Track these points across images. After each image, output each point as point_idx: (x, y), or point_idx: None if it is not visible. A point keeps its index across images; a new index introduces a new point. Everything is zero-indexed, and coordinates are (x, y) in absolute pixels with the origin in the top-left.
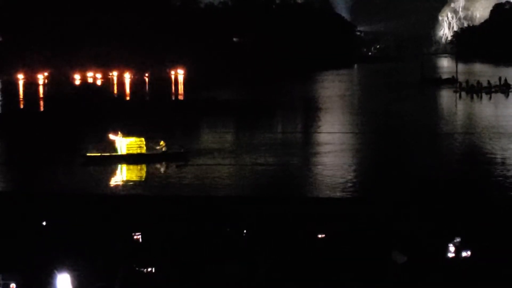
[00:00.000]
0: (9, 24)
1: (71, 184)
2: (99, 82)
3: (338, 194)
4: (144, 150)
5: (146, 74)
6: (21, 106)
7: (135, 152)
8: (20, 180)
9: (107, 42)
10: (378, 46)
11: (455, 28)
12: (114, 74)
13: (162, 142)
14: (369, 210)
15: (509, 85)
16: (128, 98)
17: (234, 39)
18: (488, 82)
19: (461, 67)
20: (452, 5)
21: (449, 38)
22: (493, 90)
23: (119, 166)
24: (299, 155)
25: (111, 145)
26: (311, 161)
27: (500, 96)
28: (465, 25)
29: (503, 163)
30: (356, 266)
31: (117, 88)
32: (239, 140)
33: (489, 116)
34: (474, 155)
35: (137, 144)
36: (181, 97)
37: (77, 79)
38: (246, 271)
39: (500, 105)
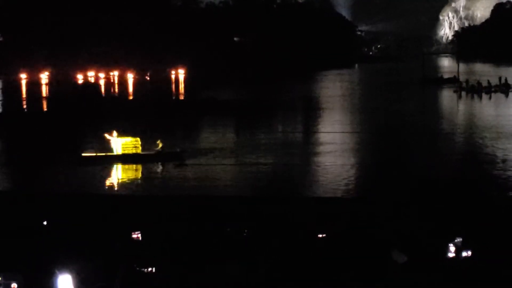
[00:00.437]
0: (9, 24)
1: (67, 185)
2: (100, 82)
3: (339, 193)
4: (139, 150)
5: (148, 74)
6: (20, 106)
7: (130, 152)
8: (19, 180)
9: (107, 42)
10: (378, 46)
11: (456, 28)
12: (115, 74)
13: (159, 142)
14: (369, 210)
15: (509, 85)
16: (128, 98)
17: (235, 39)
18: (488, 82)
19: (461, 67)
20: (453, 4)
21: (450, 37)
22: (493, 90)
23: (117, 165)
24: (299, 154)
25: (107, 145)
26: (311, 161)
27: (500, 96)
28: (466, 24)
29: (503, 162)
30: (356, 266)
31: (118, 88)
32: (240, 140)
33: (489, 116)
34: (474, 154)
35: (133, 144)
36: (181, 97)
37: (77, 79)
38: (246, 271)
39: (500, 105)
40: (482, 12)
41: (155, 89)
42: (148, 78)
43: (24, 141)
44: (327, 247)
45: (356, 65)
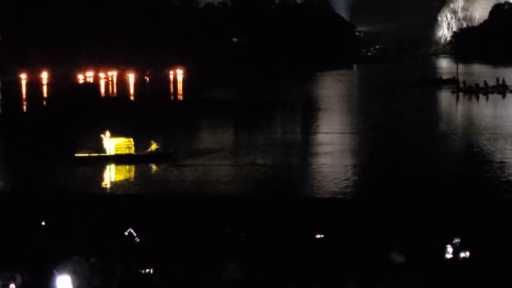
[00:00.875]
0: (8, 24)
1: (60, 185)
2: (99, 82)
3: (337, 194)
4: (132, 151)
5: (147, 74)
6: (17, 106)
7: (123, 152)
8: (16, 180)
9: (106, 42)
10: (377, 47)
11: (454, 29)
12: (114, 74)
13: (153, 143)
14: (368, 211)
15: (506, 86)
16: (126, 97)
17: (234, 39)
18: (485, 82)
19: (460, 67)
20: (452, 5)
21: (448, 38)
22: (490, 90)
23: (112, 166)
24: (298, 155)
25: (100, 146)
26: (310, 161)
27: (497, 96)
28: (464, 25)
29: (502, 164)
30: (354, 267)
31: (117, 88)
32: (238, 140)
33: (486, 117)
34: (472, 155)
35: (126, 144)
36: (180, 97)
37: (76, 79)
38: (245, 272)
39: (498, 106)
40: (480, 13)
41: (154, 89)
42: (147, 78)
43: (18, 142)
44: (326, 248)
45: (355, 66)
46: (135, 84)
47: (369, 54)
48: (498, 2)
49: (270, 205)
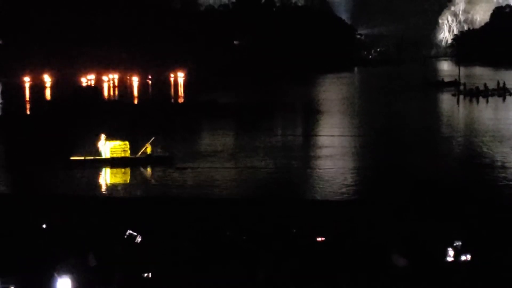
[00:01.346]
0: (8, 25)
1: (58, 188)
2: (101, 85)
3: (338, 196)
4: (128, 154)
5: (149, 77)
6: (16, 108)
7: (119, 155)
8: (15, 183)
9: (108, 44)
10: (378, 49)
11: (455, 31)
12: (115, 77)
13: (148, 145)
14: (369, 213)
15: (506, 88)
16: (128, 100)
17: (235, 42)
18: (485, 85)
19: (461, 70)
20: (452, 8)
21: (449, 41)
22: (490, 93)
23: (108, 169)
24: (299, 157)
25: (96, 149)
26: (311, 164)
27: (498, 99)
28: (465, 28)
29: (502, 166)
30: (355, 269)
31: (118, 91)
32: (239, 143)
33: (487, 120)
34: (473, 157)
35: (121, 147)
36: (181, 100)
37: (76, 81)
38: (246, 274)
39: (498, 109)
40: (481, 15)
41: (156, 91)
42: (149, 81)
43: (15, 144)
44: (327, 251)
45: (356, 68)
46: (137, 87)
47: (370, 56)
48: (499, 4)
49: (271, 208)
